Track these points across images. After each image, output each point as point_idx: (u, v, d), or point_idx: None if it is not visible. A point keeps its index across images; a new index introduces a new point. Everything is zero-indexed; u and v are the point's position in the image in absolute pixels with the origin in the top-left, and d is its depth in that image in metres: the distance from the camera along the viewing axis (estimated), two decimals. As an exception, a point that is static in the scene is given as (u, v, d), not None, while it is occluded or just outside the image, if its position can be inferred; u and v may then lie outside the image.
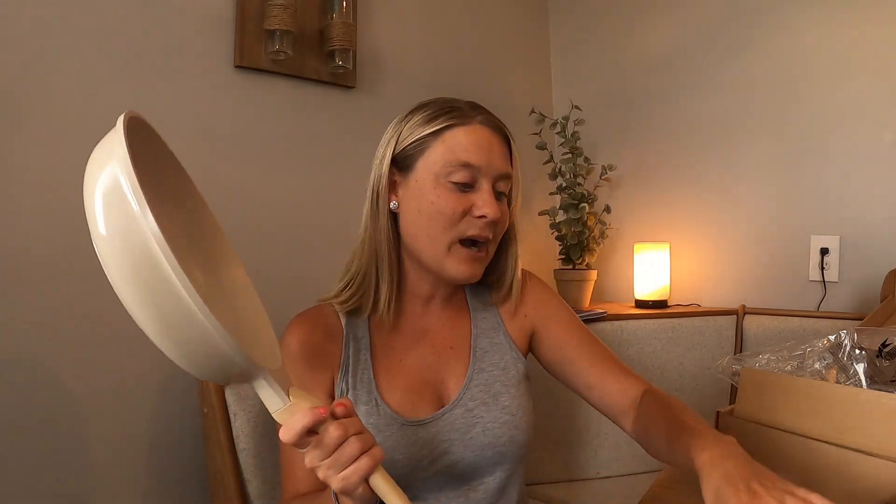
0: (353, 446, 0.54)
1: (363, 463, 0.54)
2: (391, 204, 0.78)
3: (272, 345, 0.60)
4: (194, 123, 1.13)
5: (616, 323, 1.48)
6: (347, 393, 0.77)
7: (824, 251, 1.52)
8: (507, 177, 0.78)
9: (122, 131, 0.47)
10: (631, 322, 1.49)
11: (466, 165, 0.74)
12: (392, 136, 0.78)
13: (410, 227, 0.77)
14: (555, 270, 1.76)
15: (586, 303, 1.71)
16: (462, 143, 0.75)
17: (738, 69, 1.66)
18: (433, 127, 0.75)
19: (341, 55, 1.30)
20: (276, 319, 1.00)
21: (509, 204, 0.81)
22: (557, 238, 1.73)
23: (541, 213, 1.75)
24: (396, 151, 0.77)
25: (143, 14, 1.07)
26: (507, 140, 0.80)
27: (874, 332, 0.80)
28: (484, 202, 0.74)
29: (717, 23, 1.70)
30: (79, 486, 0.98)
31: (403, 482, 0.74)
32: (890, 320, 1.10)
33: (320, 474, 0.55)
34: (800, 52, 1.56)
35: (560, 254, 1.75)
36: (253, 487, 0.95)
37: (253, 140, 1.22)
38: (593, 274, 1.72)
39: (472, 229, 0.75)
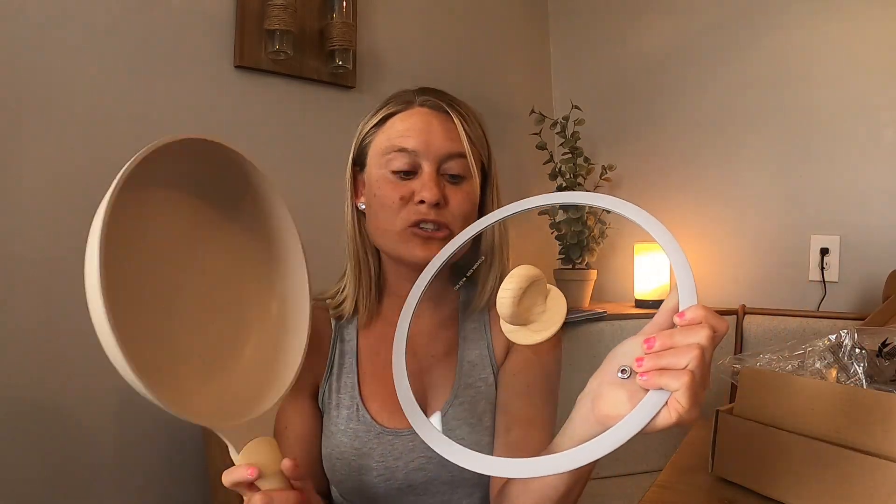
0: (260, 497, 0.53)
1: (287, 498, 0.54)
2: (359, 204, 0.78)
3: (267, 392, 0.59)
4: (194, 123, 1.13)
5: (616, 323, 1.48)
6: (330, 396, 0.76)
7: (824, 251, 1.52)
8: (455, 156, 0.73)
9: (105, 210, 0.46)
10: (631, 322, 1.49)
11: (402, 150, 0.71)
12: (354, 138, 0.79)
13: (369, 223, 0.76)
14: (555, 270, 1.76)
15: (586, 303, 1.71)
16: (398, 129, 0.73)
17: (738, 69, 1.66)
18: (377, 118, 0.76)
19: (341, 55, 1.30)
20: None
21: (485, 185, 0.77)
22: (557, 238, 1.73)
23: (541, 213, 1.75)
24: (355, 152, 0.78)
25: (143, 14, 1.07)
26: (451, 119, 0.74)
27: (874, 331, 0.80)
28: (422, 186, 0.70)
29: (717, 23, 1.70)
30: (79, 485, 0.98)
31: (378, 491, 0.73)
32: (892, 320, 1.10)
33: None
34: (800, 52, 1.56)
35: (560, 254, 1.75)
36: (253, 487, 0.95)
37: (253, 140, 1.22)
38: (593, 274, 1.72)
39: (414, 215, 0.71)
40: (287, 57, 1.23)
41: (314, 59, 1.30)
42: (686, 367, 0.44)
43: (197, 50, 1.14)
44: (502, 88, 1.86)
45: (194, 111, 1.13)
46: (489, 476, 0.74)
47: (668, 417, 0.45)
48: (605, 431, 0.46)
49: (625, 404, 0.47)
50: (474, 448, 0.72)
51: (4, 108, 0.92)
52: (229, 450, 0.55)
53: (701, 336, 0.45)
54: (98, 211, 0.46)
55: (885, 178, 1.45)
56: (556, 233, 1.73)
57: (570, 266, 1.72)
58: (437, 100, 0.75)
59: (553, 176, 1.76)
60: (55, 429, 0.96)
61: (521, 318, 0.58)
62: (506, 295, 0.56)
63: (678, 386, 0.44)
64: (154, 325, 0.54)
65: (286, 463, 0.55)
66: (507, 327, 0.60)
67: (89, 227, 0.46)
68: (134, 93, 1.05)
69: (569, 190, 1.71)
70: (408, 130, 0.72)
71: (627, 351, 0.50)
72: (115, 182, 0.46)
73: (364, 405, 0.75)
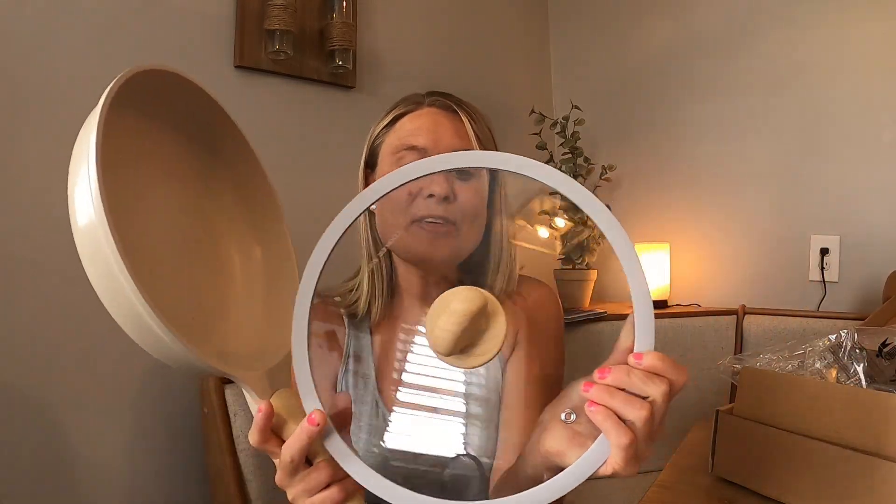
0: (322, 472, 0.49)
1: (333, 492, 0.49)
2: (371, 207, 0.79)
3: (272, 344, 0.55)
4: (194, 123, 1.13)
5: (616, 323, 1.48)
6: (347, 390, 0.77)
7: (824, 251, 1.52)
8: None
9: (96, 126, 0.43)
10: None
11: (412, 148, 0.73)
12: (366, 141, 0.81)
13: (379, 222, 0.77)
14: (555, 270, 1.76)
15: (586, 303, 1.71)
16: (408, 128, 0.75)
17: (738, 68, 1.66)
18: (387, 120, 0.78)
19: (341, 55, 1.30)
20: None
21: (493, 185, 0.79)
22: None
23: (541, 213, 1.74)
24: (366, 154, 0.80)
25: (143, 14, 1.07)
26: (459, 118, 0.77)
27: (874, 331, 0.80)
28: (431, 180, 0.71)
29: (717, 23, 1.70)
30: (78, 485, 0.98)
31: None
32: (892, 320, 1.10)
33: (289, 495, 0.50)
34: (799, 52, 1.56)
35: (560, 254, 1.75)
36: (253, 487, 0.95)
37: (253, 140, 1.21)
38: (593, 274, 1.72)
39: (421, 210, 0.71)
40: (287, 57, 1.23)
41: (314, 59, 1.30)
42: (632, 422, 0.42)
43: (197, 50, 1.14)
44: (502, 88, 1.86)
45: (194, 111, 1.13)
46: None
47: (604, 469, 0.44)
48: (546, 472, 0.47)
49: (565, 443, 0.47)
50: (487, 445, 0.74)
51: (4, 108, 0.92)
52: (250, 404, 0.50)
53: (657, 391, 0.42)
54: (85, 130, 0.42)
55: (885, 178, 1.45)
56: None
57: (571, 266, 1.72)
58: (445, 100, 0.78)
59: (553, 176, 1.76)
60: (54, 428, 0.96)
61: (458, 349, 0.49)
62: (444, 336, 0.47)
63: (617, 442, 0.42)
64: (157, 265, 0.49)
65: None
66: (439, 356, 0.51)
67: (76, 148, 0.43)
68: (134, 93, 1.05)
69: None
70: (417, 129, 0.75)
71: (579, 390, 0.47)
72: (102, 100, 0.43)
73: (383, 402, 0.76)
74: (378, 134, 0.79)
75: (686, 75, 1.76)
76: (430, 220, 0.71)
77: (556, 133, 1.77)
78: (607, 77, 1.93)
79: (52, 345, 0.96)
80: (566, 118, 1.75)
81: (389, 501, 0.46)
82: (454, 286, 0.82)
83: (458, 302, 0.47)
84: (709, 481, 0.79)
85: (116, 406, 1.02)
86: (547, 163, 1.88)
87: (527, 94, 1.94)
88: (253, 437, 0.49)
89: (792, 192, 1.58)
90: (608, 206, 0.54)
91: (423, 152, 0.73)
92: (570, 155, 1.74)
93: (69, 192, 0.43)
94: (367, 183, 0.81)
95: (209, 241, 0.57)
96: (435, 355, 0.50)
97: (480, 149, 0.76)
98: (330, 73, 1.32)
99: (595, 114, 1.89)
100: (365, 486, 0.47)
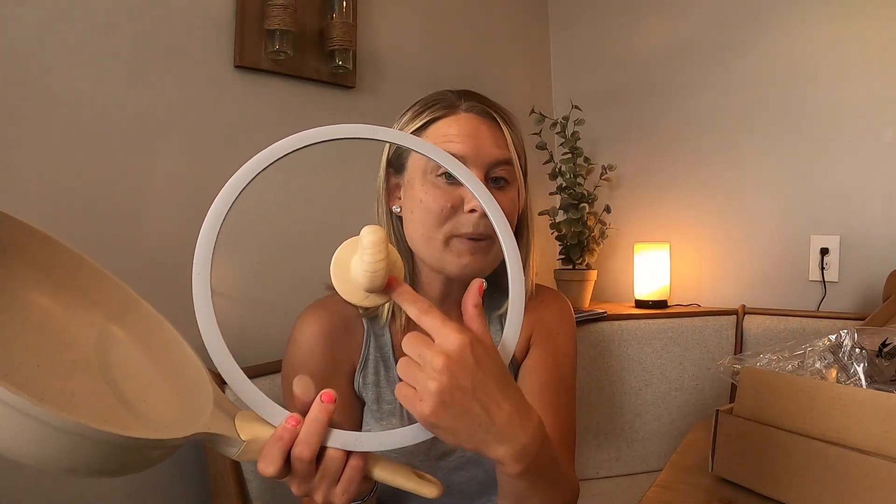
0: (333, 455, 0.47)
1: (353, 463, 0.47)
2: (394, 208, 0.77)
3: (200, 393, 0.50)
4: (194, 123, 1.13)
5: (616, 323, 1.48)
6: (367, 388, 0.76)
7: (824, 251, 1.52)
8: (503, 162, 0.73)
9: None
10: (631, 322, 1.49)
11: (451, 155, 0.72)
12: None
13: (408, 228, 0.75)
14: (555, 270, 1.76)
15: (586, 303, 1.71)
16: (446, 133, 0.72)
17: (738, 69, 1.66)
18: (419, 122, 0.74)
19: (341, 55, 1.30)
20: (280, 322, 0.99)
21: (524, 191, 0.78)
22: (557, 238, 1.73)
23: (541, 213, 1.75)
24: (390, 154, 0.77)
25: (143, 14, 1.07)
26: (499, 125, 0.76)
27: (874, 331, 0.80)
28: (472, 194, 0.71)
29: (717, 23, 1.70)
30: (78, 485, 0.98)
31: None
32: (892, 320, 1.10)
33: (319, 499, 0.47)
34: (800, 52, 1.56)
35: (560, 254, 1.75)
36: (253, 487, 0.95)
37: (253, 140, 1.22)
38: (593, 274, 1.72)
39: (465, 227, 0.70)
40: (287, 57, 1.23)
41: (314, 59, 1.29)
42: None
43: (197, 50, 1.14)
44: (502, 88, 1.86)
45: (194, 111, 1.13)
46: None
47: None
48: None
49: None
50: None
51: (2, 108, 0.92)
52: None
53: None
54: None
55: (885, 178, 1.45)
56: (556, 233, 1.73)
57: (571, 266, 1.72)
58: (483, 105, 0.76)
59: (553, 176, 1.76)
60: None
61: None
62: (377, 268, 0.47)
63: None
64: (61, 402, 0.44)
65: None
66: (357, 296, 0.51)
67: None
68: (134, 93, 1.05)
69: (569, 189, 1.71)
70: (458, 135, 0.72)
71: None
72: None
73: None
74: None
75: (686, 75, 1.76)
76: (471, 237, 0.70)
77: (556, 133, 1.77)
78: (607, 77, 1.93)
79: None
80: (566, 118, 1.75)
81: (399, 447, 0.49)
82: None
83: (368, 235, 0.48)
84: (709, 481, 0.79)
85: (116, 406, 1.02)
86: (546, 163, 1.89)
87: (527, 94, 1.94)
88: (274, 465, 0.45)
89: (792, 191, 1.58)
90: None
91: (461, 160, 0.70)
92: (570, 155, 1.74)
93: None
94: (388, 184, 0.78)
95: (74, 350, 0.50)
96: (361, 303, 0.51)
97: (519, 158, 0.76)
98: (330, 73, 1.32)
99: (595, 114, 1.89)
100: (377, 450, 0.48)
